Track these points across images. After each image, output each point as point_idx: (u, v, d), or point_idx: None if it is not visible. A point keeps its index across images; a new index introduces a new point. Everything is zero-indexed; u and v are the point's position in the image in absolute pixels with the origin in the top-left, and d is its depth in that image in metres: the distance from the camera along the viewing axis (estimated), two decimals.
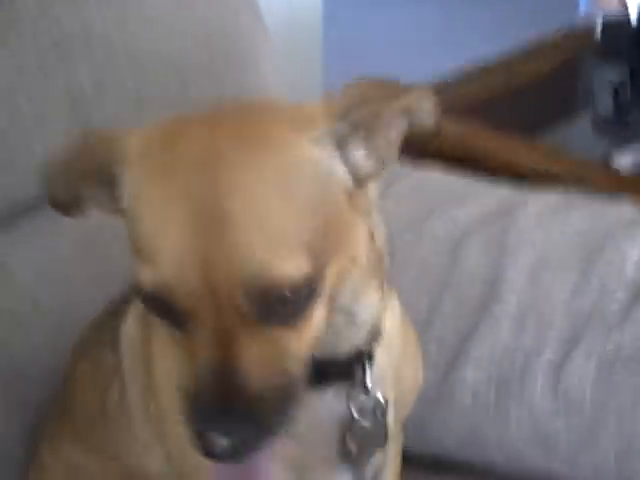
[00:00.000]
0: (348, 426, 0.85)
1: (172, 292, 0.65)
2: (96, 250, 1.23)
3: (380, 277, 0.81)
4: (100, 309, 1.06)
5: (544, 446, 1.19)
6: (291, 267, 0.64)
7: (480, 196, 1.39)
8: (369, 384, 0.84)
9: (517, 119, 2.04)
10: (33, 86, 1.16)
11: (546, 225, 1.29)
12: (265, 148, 0.67)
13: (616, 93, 1.96)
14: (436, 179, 1.44)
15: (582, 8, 2.17)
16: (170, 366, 0.81)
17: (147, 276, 0.66)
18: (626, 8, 1.90)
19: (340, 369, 0.83)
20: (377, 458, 0.92)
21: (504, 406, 1.20)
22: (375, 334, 0.84)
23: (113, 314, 0.99)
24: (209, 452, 0.66)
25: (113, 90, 1.21)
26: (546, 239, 1.28)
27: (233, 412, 0.65)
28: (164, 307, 0.67)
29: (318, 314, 0.69)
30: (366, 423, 0.86)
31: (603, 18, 1.95)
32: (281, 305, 0.65)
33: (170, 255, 0.65)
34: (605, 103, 2.03)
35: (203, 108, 0.72)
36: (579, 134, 2.04)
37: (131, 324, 0.93)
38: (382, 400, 0.86)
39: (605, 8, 1.99)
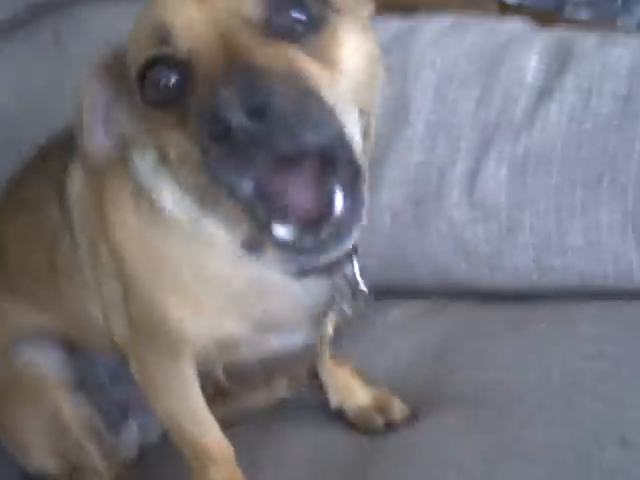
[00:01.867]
0: (329, 304, 0.91)
1: (167, 34, 0.68)
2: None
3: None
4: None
5: (465, 254, 1.24)
6: None
7: (377, 28, 1.40)
8: (358, 278, 0.89)
9: None
10: None
11: (443, 45, 1.32)
12: None
13: None
14: None
15: None
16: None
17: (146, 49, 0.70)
18: None
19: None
20: None
21: (423, 222, 1.25)
22: None
23: (48, 173, 1.01)
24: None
25: None
26: (445, 59, 1.31)
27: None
28: (165, 73, 0.70)
29: (349, 43, 0.71)
30: (346, 307, 0.92)
31: None
32: (294, 7, 0.67)
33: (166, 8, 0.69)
34: None
35: None
36: None
37: (79, 185, 0.94)
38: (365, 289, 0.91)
39: None
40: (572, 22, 1.77)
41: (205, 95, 0.67)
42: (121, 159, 0.88)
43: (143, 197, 0.87)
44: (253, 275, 0.87)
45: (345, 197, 0.70)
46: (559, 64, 1.24)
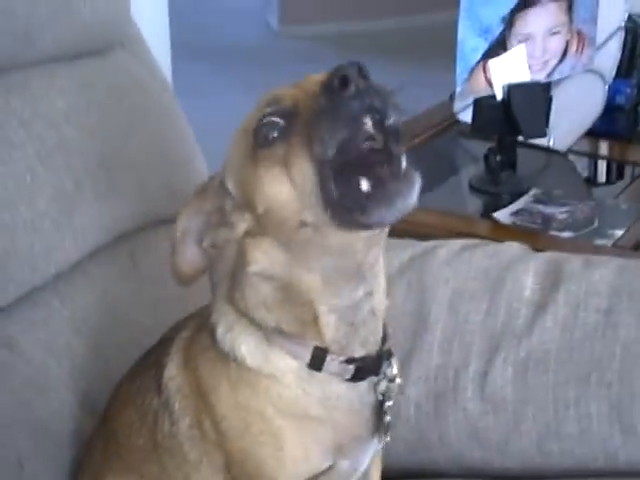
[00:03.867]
0: (379, 407, 1.08)
1: (279, 98, 0.94)
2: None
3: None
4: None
5: (478, 441, 1.43)
6: None
7: (396, 250, 1.65)
8: (395, 374, 1.09)
9: None
10: None
11: (454, 265, 1.54)
12: None
13: (486, 158, 2.26)
14: None
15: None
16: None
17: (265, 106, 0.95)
18: (493, 89, 2.22)
19: (371, 365, 1.06)
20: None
21: (442, 413, 1.44)
22: (386, 330, 1.09)
23: (148, 366, 1.18)
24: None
25: None
26: (456, 276, 1.52)
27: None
28: (271, 123, 0.93)
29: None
30: (390, 403, 1.09)
31: (474, 99, 2.25)
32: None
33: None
34: (477, 167, 2.35)
35: None
36: (459, 196, 2.34)
37: (175, 372, 1.11)
38: (400, 381, 1.11)
39: (476, 91, 2.32)
40: (556, 240, 2.04)
41: (313, 119, 0.89)
42: (209, 348, 1.07)
43: (230, 363, 1.05)
44: (322, 392, 1.05)
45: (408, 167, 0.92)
46: (551, 283, 1.46)
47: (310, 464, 1.06)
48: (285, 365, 1.04)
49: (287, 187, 0.91)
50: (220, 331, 1.07)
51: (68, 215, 1.36)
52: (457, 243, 1.61)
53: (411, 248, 1.62)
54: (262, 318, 1.04)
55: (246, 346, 1.05)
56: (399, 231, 1.97)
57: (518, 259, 1.55)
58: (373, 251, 1.01)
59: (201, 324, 1.12)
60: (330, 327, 1.03)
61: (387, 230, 1.01)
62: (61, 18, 1.38)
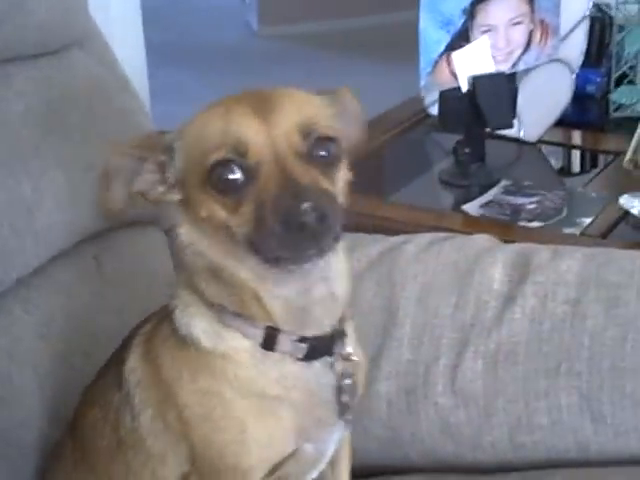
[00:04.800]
0: (337, 387, 1.09)
1: (245, 149, 0.97)
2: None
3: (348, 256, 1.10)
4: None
5: (450, 435, 1.43)
6: (326, 122, 1.01)
7: (365, 246, 1.64)
8: (350, 352, 1.10)
9: (373, 184, 2.33)
10: None
11: (423, 260, 1.54)
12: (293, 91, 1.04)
13: (455, 151, 2.26)
14: None
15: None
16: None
17: (221, 149, 0.98)
18: (458, 81, 2.21)
19: (325, 345, 1.08)
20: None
21: (414, 409, 1.44)
22: (345, 311, 1.10)
23: (110, 365, 1.19)
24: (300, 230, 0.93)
25: None
26: (425, 271, 1.52)
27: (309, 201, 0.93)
28: (231, 172, 0.97)
29: (341, 179, 1.01)
30: (348, 381, 1.10)
31: (439, 92, 2.25)
32: (322, 147, 0.98)
33: (243, 127, 0.98)
34: (448, 161, 2.34)
35: None
36: (429, 190, 2.33)
37: (135, 364, 1.12)
38: (357, 359, 1.12)
39: (440, 83, 2.31)
40: (525, 231, 2.04)
41: (268, 196, 0.95)
42: (169, 337, 1.09)
43: (190, 348, 1.07)
44: (277, 372, 1.06)
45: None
46: (519, 275, 1.46)
47: (273, 448, 1.07)
48: (238, 344, 1.06)
49: (223, 223, 0.99)
50: (177, 314, 1.09)
51: (27, 219, 1.34)
52: (425, 237, 1.61)
53: (379, 244, 1.62)
54: (211, 295, 1.06)
55: (200, 326, 1.07)
56: (370, 227, 1.98)
57: (486, 251, 1.54)
58: None
59: (161, 317, 1.13)
60: (277, 310, 1.05)
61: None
62: (15, 18, 1.35)
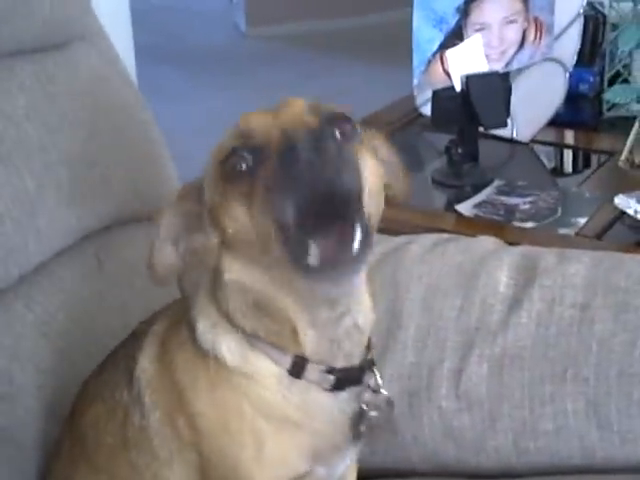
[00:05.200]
0: (359, 417, 1.08)
1: (252, 134, 0.94)
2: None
3: (370, 285, 1.06)
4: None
5: (453, 439, 1.41)
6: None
7: None
8: (380, 385, 1.09)
9: None
10: None
11: (427, 261, 1.53)
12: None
13: (448, 150, 2.25)
14: None
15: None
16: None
17: (230, 143, 0.95)
18: (451, 80, 2.20)
19: (354, 375, 1.06)
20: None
21: (417, 412, 1.42)
22: (370, 341, 1.08)
23: (117, 360, 1.17)
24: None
25: None
26: (429, 272, 1.51)
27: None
28: (241, 158, 0.94)
29: (367, 168, 0.95)
30: (374, 414, 1.09)
31: (433, 91, 2.23)
32: (336, 125, 0.94)
33: (251, 120, 0.96)
34: (440, 161, 2.33)
35: None
36: (423, 190, 2.31)
37: (147, 364, 1.10)
38: (388, 395, 1.11)
39: (433, 82, 2.30)
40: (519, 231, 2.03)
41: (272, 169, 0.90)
42: (186, 343, 1.07)
43: (209, 360, 1.05)
44: (301, 399, 1.05)
45: (360, 237, 0.91)
46: (526, 278, 1.45)
47: (288, 468, 1.06)
48: (266, 368, 1.04)
49: (249, 222, 0.94)
50: (201, 328, 1.06)
51: (30, 215, 1.32)
52: (429, 238, 1.60)
53: (383, 244, 1.60)
54: (242, 322, 1.04)
55: (227, 346, 1.05)
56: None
57: (491, 254, 1.53)
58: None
59: (176, 318, 1.11)
60: (309, 342, 1.03)
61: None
62: (20, 12, 1.33)
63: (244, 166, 0.94)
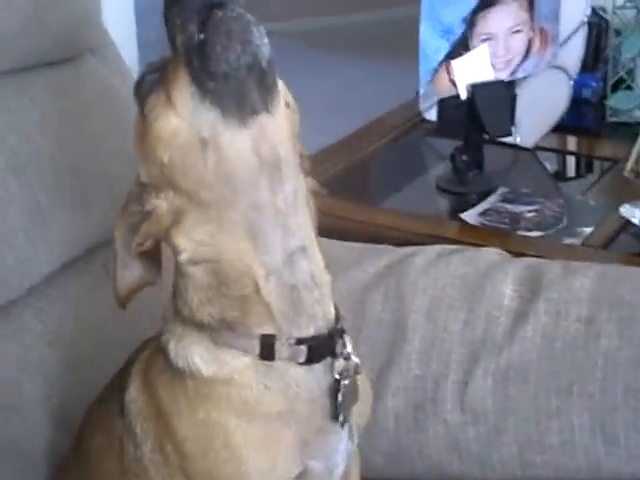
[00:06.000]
0: (335, 388, 1.05)
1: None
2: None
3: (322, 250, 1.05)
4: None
5: (458, 452, 1.42)
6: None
7: (372, 257, 1.63)
8: (350, 352, 1.07)
9: (366, 191, 2.32)
10: None
11: (432, 273, 1.53)
12: None
13: (453, 158, 2.25)
14: (334, 245, 1.67)
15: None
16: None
17: None
18: (457, 88, 2.21)
19: (325, 345, 1.04)
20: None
21: (422, 425, 1.43)
22: (338, 311, 1.07)
23: (113, 388, 1.17)
24: None
25: None
26: (434, 284, 1.51)
27: None
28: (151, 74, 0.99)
29: (281, 114, 0.98)
30: (346, 382, 1.06)
31: (438, 100, 2.23)
32: None
33: None
34: (444, 167, 2.34)
35: None
36: (427, 197, 2.32)
37: (135, 394, 1.10)
38: (357, 361, 1.08)
39: (439, 92, 2.31)
40: (525, 240, 2.03)
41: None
42: (164, 370, 1.06)
43: (187, 382, 1.03)
44: (283, 383, 1.03)
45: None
46: (531, 291, 1.45)
47: (277, 473, 1.04)
48: (240, 363, 1.03)
49: (174, 109, 0.95)
50: (171, 348, 1.06)
51: (41, 228, 1.33)
52: (433, 250, 1.60)
53: (387, 255, 1.61)
54: (206, 315, 1.03)
55: (198, 354, 1.04)
56: (366, 233, 1.96)
57: (496, 266, 1.54)
58: (283, 187, 0.99)
59: (158, 345, 1.10)
60: (272, 293, 1.01)
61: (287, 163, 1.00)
62: (34, 28, 1.34)
63: (154, 82, 0.98)
